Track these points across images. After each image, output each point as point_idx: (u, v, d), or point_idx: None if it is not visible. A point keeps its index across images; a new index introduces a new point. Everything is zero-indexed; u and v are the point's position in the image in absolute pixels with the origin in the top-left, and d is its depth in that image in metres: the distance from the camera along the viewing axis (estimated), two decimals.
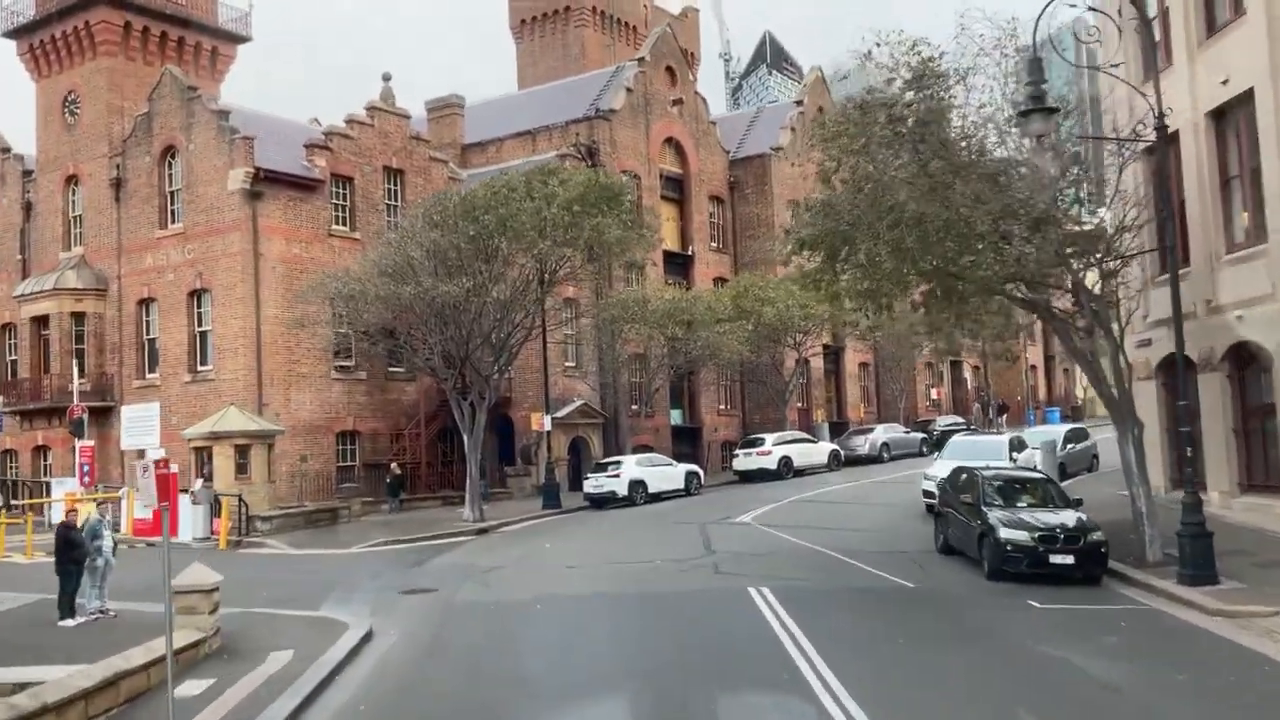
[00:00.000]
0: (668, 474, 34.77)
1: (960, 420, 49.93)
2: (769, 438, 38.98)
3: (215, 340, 35.58)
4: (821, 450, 40.21)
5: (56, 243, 40.26)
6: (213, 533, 27.65)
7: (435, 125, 45.87)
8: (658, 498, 33.91)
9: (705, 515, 28.07)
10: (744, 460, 38.82)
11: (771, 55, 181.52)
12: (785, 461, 38.25)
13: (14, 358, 40.66)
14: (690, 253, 47.74)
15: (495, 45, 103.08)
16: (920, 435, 44.92)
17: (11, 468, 40.70)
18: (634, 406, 43.06)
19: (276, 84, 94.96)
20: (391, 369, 38.32)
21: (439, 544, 26.70)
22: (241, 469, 29.55)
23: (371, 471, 37.65)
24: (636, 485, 33.32)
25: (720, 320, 37.53)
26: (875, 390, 57.21)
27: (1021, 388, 62.25)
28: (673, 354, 38.29)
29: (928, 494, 25.73)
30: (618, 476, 33.29)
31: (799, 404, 51.21)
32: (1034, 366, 65.64)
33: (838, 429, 50.55)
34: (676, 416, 46.98)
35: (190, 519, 27.62)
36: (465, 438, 30.80)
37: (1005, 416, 59.14)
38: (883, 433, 43.18)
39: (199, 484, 28.16)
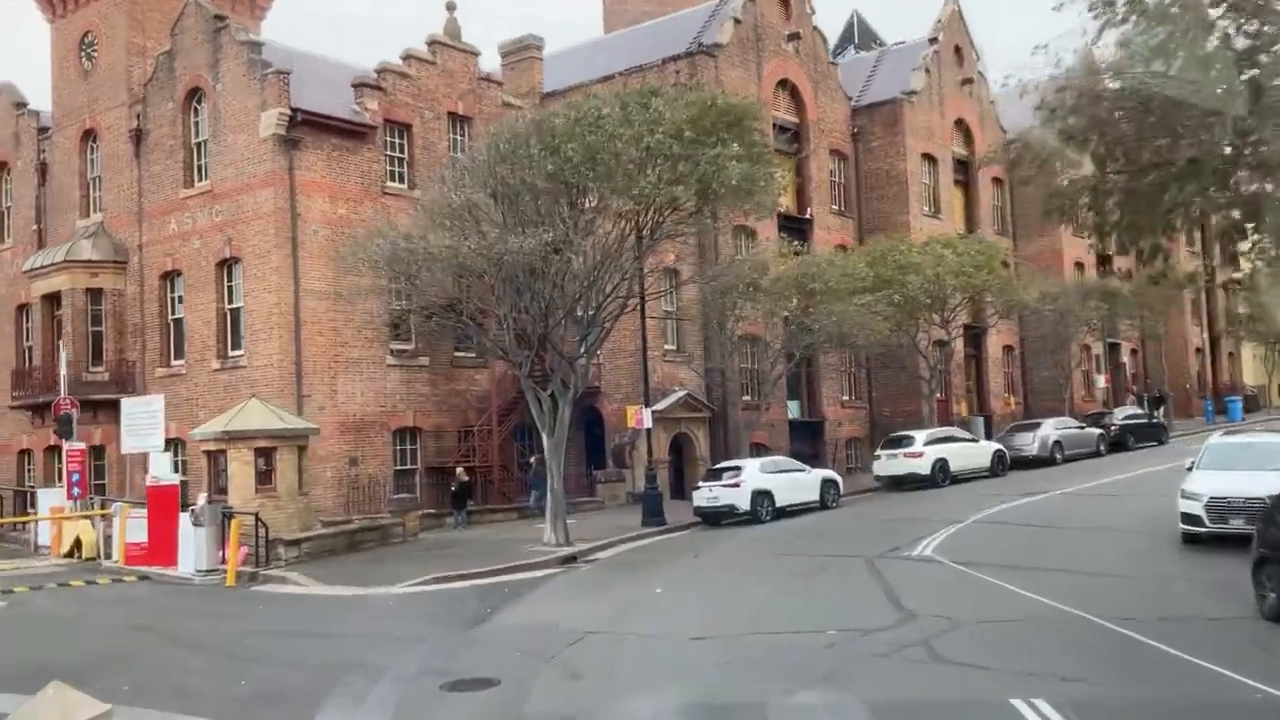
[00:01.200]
0: (799, 483, 27.62)
1: (1138, 413, 41.68)
2: (919, 435, 31.57)
3: (247, 319, 29.47)
4: (983, 451, 32.63)
5: (74, 209, 34.62)
6: (222, 562, 21.36)
7: (510, 72, 39.26)
8: (786, 512, 26.84)
9: (865, 543, 20.92)
10: (888, 463, 31.47)
11: (860, 36, 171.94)
12: (940, 466, 30.81)
13: (29, 343, 35.17)
14: (808, 215, 40.43)
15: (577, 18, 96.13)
16: (1096, 431, 36.99)
17: (28, 469, 35.28)
18: (745, 398, 36.03)
19: (330, 33, 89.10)
20: (458, 353, 31.94)
21: (510, 580, 20.05)
22: (264, 478, 23.23)
23: (435, 477, 31.30)
24: (761, 497, 26.27)
25: (858, 291, 30.16)
26: (1022, 378, 49.21)
27: (1185, 374, 53.56)
28: (800, 332, 30.95)
29: (1190, 518, 18.28)
30: (737, 486, 26.28)
31: (937, 395, 43.56)
32: (1199, 349, 56.82)
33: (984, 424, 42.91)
34: (794, 409, 39.80)
35: (193, 546, 21.37)
36: (544, 439, 24.08)
37: (1163, 409, 50.49)
38: (1053, 429, 35.39)
39: (202, 500, 21.87)
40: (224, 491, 23.32)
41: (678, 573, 19.71)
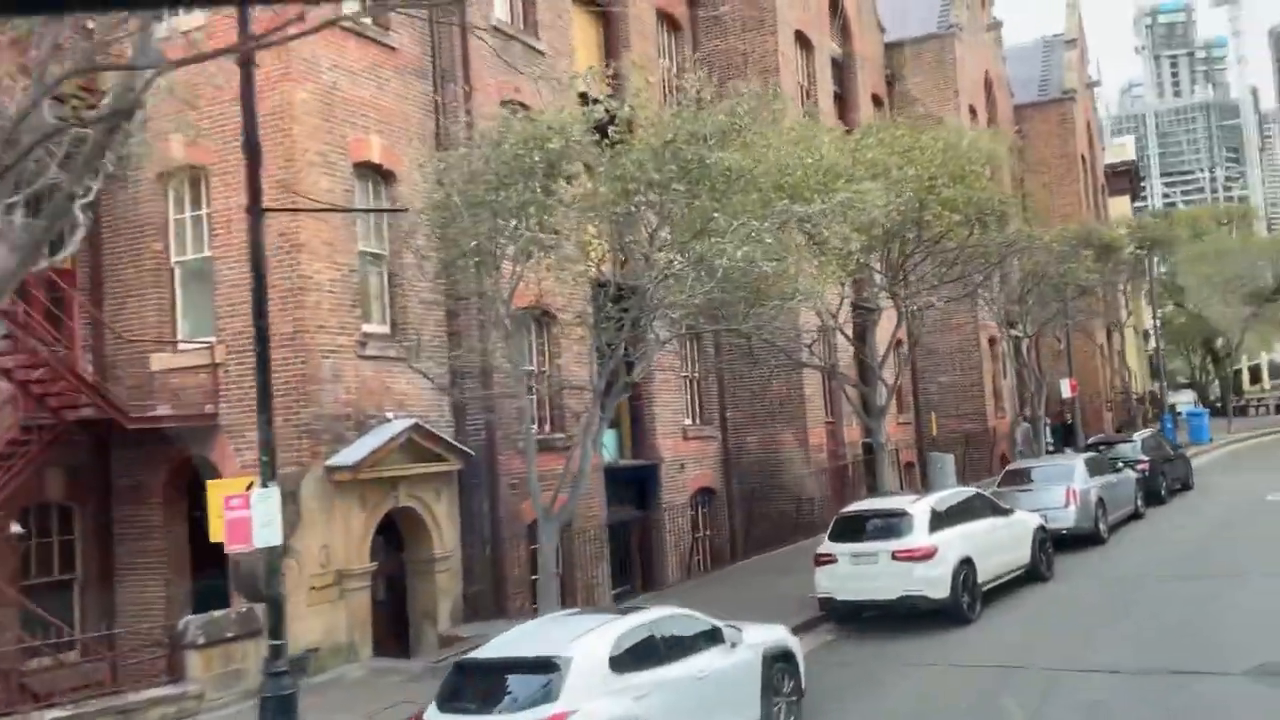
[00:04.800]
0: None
1: (1155, 434, 26.52)
2: (916, 511, 14.67)
3: None
4: (1019, 533, 16.22)
5: None
6: None
7: None
8: None
9: None
10: (856, 573, 14.30)
11: None
12: (964, 574, 14.20)
13: None
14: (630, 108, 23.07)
15: None
16: (1131, 475, 21.65)
17: None
18: (530, 429, 18.05)
19: None
20: None
21: None
22: None
23: None
24: None
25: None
26: (913, 385, 33.92)
27: (1101, 378, 40.23)
28: (691, 277, 12.74)
29: None
30: None
31: (825, 415, 27.43)
32: (1101, 347, 43.82)
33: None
34: (609, 444, 22.39)
35: None
36: None
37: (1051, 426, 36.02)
38: (1086, 474, 19.54)
39: None
40: None
41: None
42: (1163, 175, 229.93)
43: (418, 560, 16.95)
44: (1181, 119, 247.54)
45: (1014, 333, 33.19)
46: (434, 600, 16.84)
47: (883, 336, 24.47)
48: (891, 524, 14.61)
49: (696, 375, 25.34)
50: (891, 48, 34.68)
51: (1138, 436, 24.35)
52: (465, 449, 17.34)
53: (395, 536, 16.99)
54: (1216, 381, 61.42)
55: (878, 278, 20.44)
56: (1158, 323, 40.72)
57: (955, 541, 14.42)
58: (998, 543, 15.43)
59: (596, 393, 13.49)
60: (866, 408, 23.94)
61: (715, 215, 11.65)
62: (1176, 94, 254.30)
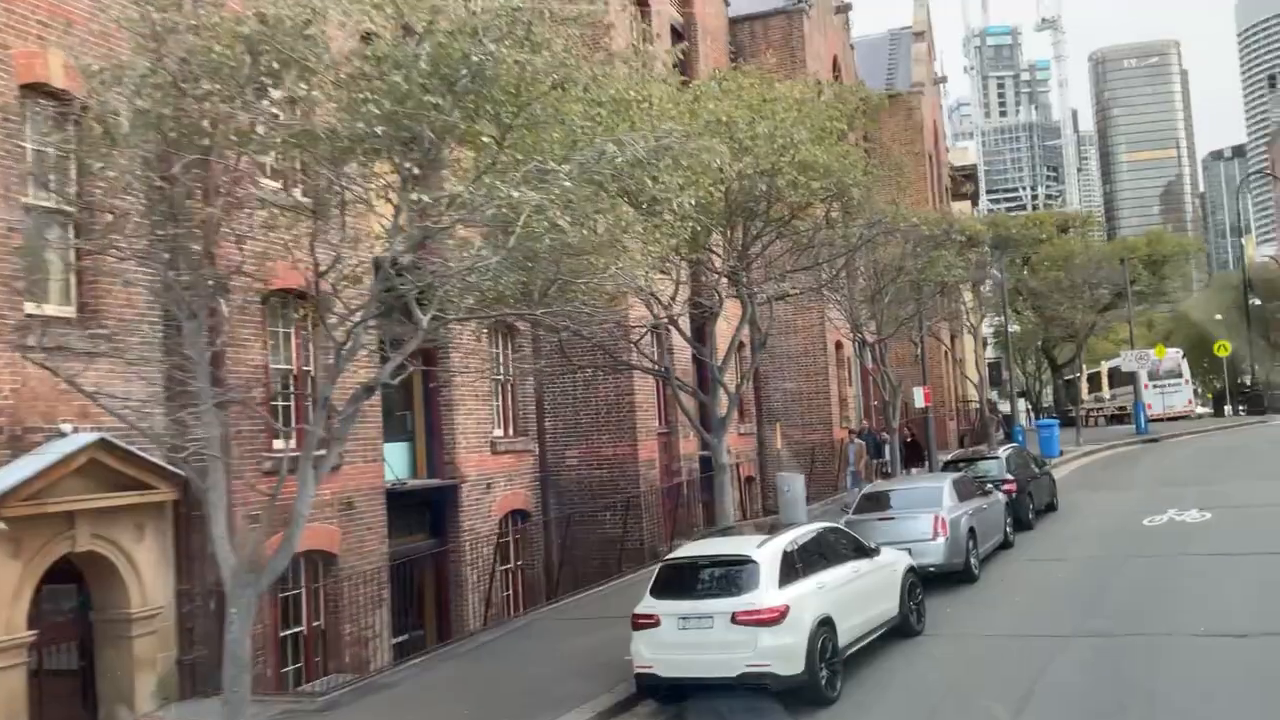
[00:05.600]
0: None
1: (1017, 452, 23.75)
2: (760, 555, 11.34)
3: None
4: (886, 580, 13.10)
5: None
6: None
7: None
8: None
9: None
10: (687, 641, 10.95)
11: None
12: (823, 640, 10.97)
13: None
14: None
15: None
16: (1000, 498, 18.99)
17: None
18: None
19: None
20: None
21: None
22: None
23: None
24: None
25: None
26: (754, 393, 31.03)
27: (946, 386, 38.40)
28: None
29: None
30: None
31: (658, 425, 24.12)
32: (947, 351, 42.13)
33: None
34: (399, 462, 18.49)
35: None
36: None
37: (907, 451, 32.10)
38: (953, 498, 16.71)
39: None
40: None
41: None
42: (988, 192, 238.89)
43: (108, 621, 12.68)
44: (1006, 138, 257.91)
45: (866, 334, 30.58)
46: (130, 674, 12.60)
47: (723, 336, 21.27)
48: (731, 575, 11.21)
49: (510, 379, 21.62)
50: (737, 22, 31.85)
51: (1002, 452, 21.87)
52: (181, 473, 13.11)
53: (73, 592, 12.70)
54: (1049, 389, 61.31)
55: (718, 262, 17.13)
56: (1009, 327, 39.26)
57: (811, 597, 11.14)
58: (862, 593, 12.26)
59: (320, 400, 9.62)
60: (704, 419, 20.69)
61: (486, 140, 7.98)
62: (1002, 114, 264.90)
